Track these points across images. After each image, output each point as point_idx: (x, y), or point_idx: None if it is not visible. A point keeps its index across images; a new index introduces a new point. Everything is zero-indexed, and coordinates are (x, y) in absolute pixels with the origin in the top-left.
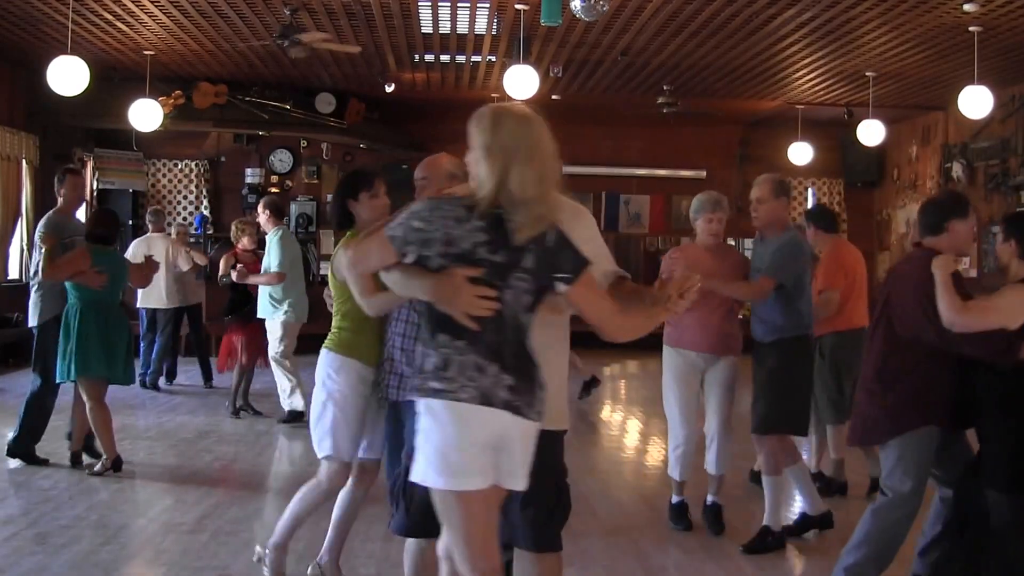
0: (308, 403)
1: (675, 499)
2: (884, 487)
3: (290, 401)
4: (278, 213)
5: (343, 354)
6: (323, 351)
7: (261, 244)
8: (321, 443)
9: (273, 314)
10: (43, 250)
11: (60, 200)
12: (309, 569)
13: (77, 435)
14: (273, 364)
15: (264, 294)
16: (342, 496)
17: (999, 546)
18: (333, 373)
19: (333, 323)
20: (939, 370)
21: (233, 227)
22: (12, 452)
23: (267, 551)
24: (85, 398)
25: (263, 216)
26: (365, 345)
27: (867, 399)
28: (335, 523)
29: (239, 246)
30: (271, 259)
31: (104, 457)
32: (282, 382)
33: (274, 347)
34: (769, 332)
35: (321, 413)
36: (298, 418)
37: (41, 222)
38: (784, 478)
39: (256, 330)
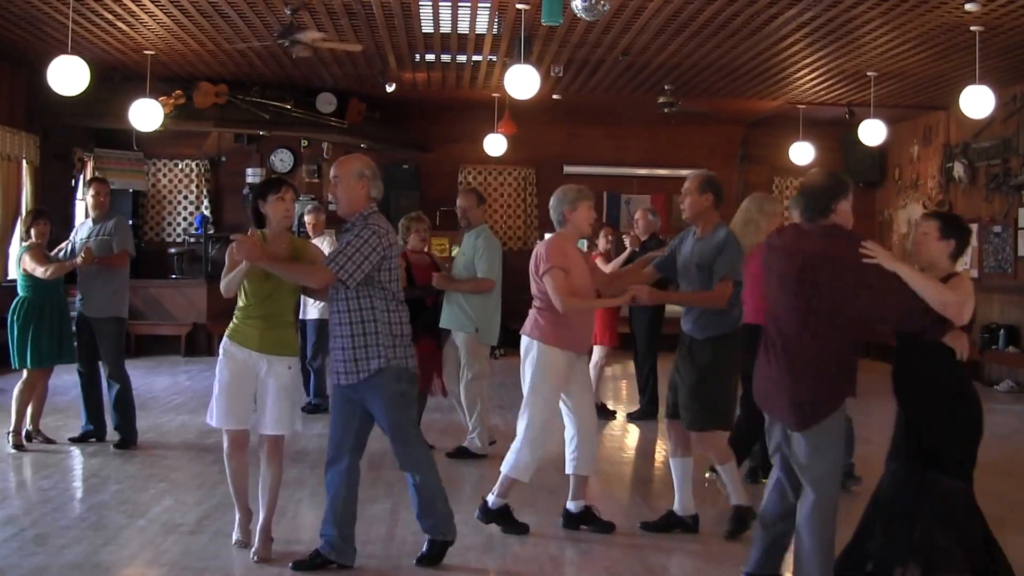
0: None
1: (579, 505)
2: None
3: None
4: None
5: (227, 336)
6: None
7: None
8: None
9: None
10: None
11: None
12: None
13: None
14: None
15: (454, 303)
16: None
17: (953, 532)
18: (220, 353)
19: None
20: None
21: (400, 225)
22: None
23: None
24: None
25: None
26: (236, 330)
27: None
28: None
29: (408, 247)
30: (479, 263)
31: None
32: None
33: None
34: (702, 329)
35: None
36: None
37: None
38: (733, 462)
39: (429, 347)
